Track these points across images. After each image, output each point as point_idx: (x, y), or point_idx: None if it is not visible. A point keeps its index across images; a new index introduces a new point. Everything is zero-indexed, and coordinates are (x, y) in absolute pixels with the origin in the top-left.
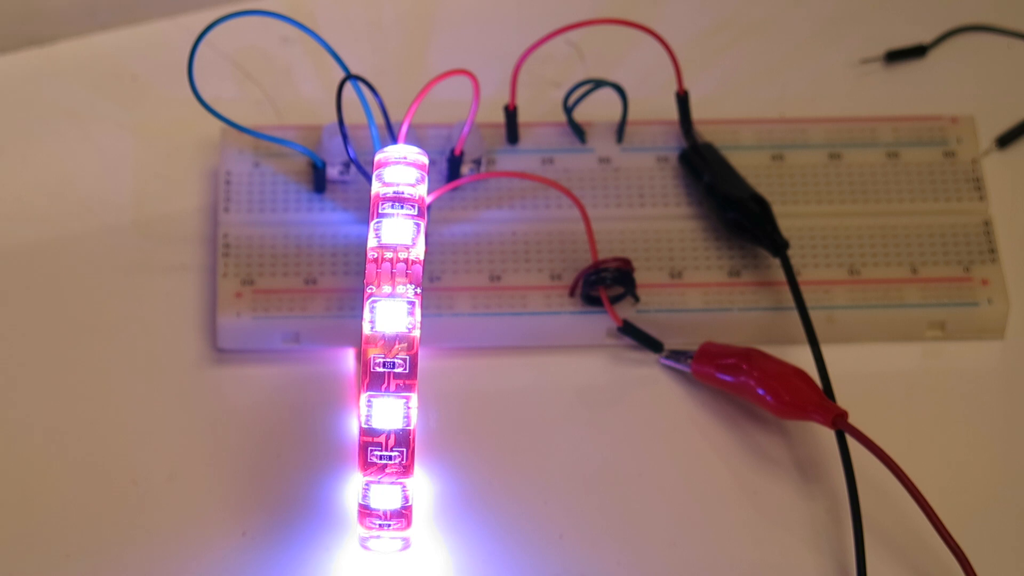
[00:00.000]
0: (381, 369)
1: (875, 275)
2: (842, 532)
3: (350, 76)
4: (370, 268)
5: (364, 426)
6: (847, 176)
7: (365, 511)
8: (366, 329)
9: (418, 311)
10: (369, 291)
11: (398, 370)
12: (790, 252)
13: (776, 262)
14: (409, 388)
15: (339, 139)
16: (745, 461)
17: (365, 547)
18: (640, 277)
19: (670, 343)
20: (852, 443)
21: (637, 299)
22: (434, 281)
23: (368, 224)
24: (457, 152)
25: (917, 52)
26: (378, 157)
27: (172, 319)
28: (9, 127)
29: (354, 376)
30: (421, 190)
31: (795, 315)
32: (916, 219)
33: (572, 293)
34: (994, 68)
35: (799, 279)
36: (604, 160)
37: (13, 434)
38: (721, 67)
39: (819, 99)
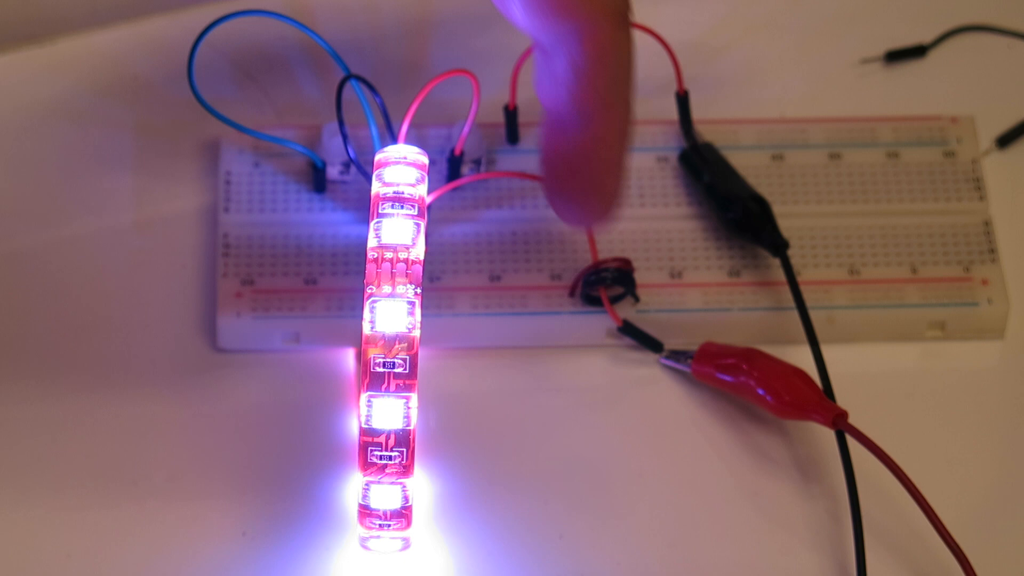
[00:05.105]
0: (381, 369)
1: (875, 275)
2: (842, 532)
3: (350, 76)
4: (370, 268)
5: (364, 426)
6: (847, 176)
7: (365, 511)
8: (366, 329)
9: (418, 311)
10: (369, 291)
11: (398, 370)
12: (790, 252)
13: (776, 262)
14: (409, 388)
15: (339, 139)
16: (745, 461)
17: (365, 547)
18: (640, 277)
19: (670, 343)
20: (852, 443)
21: (637, 299)
22: (434, 281)
23: (368, 224)
24: (457, 152)
25: (917, 52)
26: (378, 157)
27: (172, 319)
28: (9, 127)
29: (354, 376)
30: (421, 190)
31: (795, 315)
32: (916, 219)
33: (572, 293)
34: (994, 68)
35: (799, 279)
36: None
37: (13, 434)
38: (721, 67)
39: (819, 99)
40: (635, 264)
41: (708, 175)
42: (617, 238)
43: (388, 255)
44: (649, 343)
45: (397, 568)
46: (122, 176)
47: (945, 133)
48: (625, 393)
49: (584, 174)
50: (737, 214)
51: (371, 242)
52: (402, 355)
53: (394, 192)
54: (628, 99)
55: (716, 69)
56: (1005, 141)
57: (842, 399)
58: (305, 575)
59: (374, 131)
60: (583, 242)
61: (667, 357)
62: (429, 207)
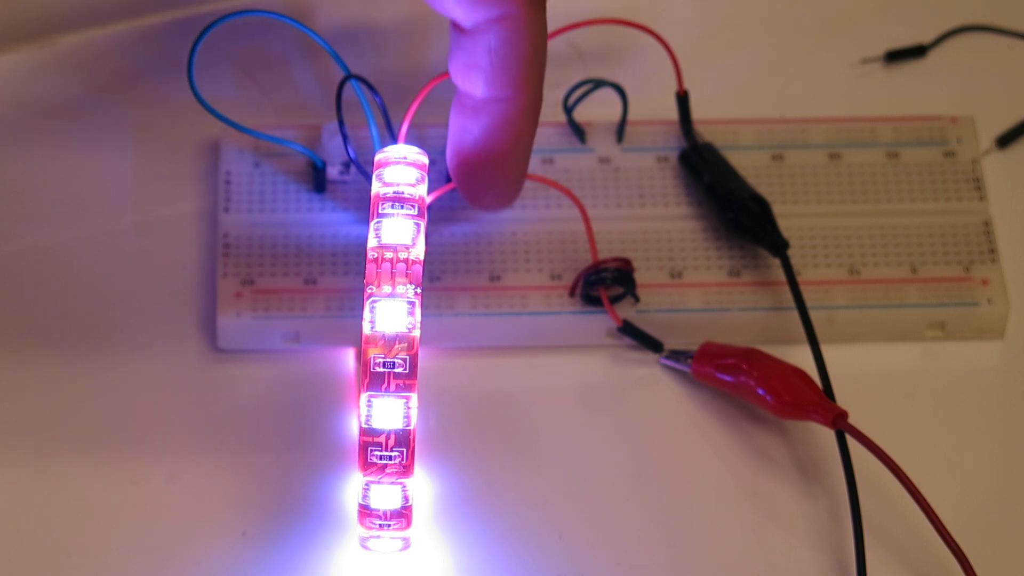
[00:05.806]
0: (381, 369)
1: (875, 275)
2: (842, 532)
3: (350, 76)
4: (370, 268)
5: (364, 426)
6: (847, 176)
7: (365, 511)
8: (366, 329)
9: (418, 311)
10: (369, 291)
11: (398, 370)
12: (790, 252)
13: (776, 262)
14: (409, 388)
15: (339, 139)
16: (745, 461)
17: (365, 547)
18: (640, 277)
19: (670, 343)
20: (852, 443)
21: (637, 299)
22: (434, 281)
23: (368, 224)
24: None
25: (917, 52)
26: (378, 157)
27: (172, 319)
28: (9, 127)
29: (354, 376)
30: (421, 190)
31: (795, 315)
32: (916, 219)
33: (572, 293)
34: (994, 68)
35: (799, 279)
36: (604, 160)
37: (13, 434)
38: (721, 67)
39: (819, 99)
40: (635, 264)
41: (708, 175)
42: (617, 238)
43: (388, 255)
44: (649, 343)
45: (397, 568)
46: (122, 176)
47: (945, 133)
48: (625, 393)
49: (493, 157)
50: (737, 214)
51: (371, 242)
52: (402, 355)
53: (394, 192)
54: (541, 82)
55: (716, 69)
56: (1005, 141)
57: (842, 399)
58: (305, 575)
59: (374, 131)
60: (583, 242)
61: (667, 357)
62: (429, 207)
